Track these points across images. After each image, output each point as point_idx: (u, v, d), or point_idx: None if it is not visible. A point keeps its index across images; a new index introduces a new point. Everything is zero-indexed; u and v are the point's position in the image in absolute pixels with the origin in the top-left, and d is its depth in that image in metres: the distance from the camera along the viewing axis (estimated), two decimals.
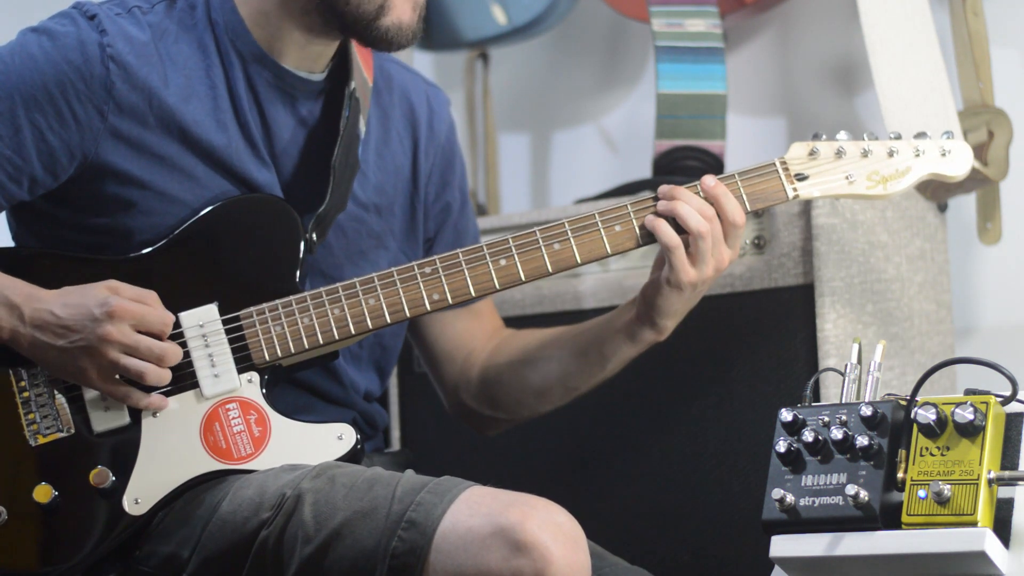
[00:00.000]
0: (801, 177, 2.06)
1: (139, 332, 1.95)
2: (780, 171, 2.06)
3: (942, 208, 2.61)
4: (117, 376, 1.96)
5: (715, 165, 2.66)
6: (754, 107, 2.99)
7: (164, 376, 1.97)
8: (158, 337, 1.96)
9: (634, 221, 2.05)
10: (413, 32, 2.06)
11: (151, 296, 1.97)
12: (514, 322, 2.40)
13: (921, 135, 2.07)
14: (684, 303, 2.08)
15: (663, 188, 2.05)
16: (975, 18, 2.60)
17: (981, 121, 2.57)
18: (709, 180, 2.03)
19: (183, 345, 1.99)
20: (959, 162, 2.07)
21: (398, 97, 2.23)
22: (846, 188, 2.05)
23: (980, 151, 2.55)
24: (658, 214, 2.04)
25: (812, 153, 2.06)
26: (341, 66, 2.13)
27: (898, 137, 2.07)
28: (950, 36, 2.62)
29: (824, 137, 2.07)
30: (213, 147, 2.04)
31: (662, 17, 2.69)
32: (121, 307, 1.93)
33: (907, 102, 2.40)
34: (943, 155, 2.07)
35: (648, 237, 2.04)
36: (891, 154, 2.06)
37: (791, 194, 2.05)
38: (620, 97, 3.17)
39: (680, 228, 2.02)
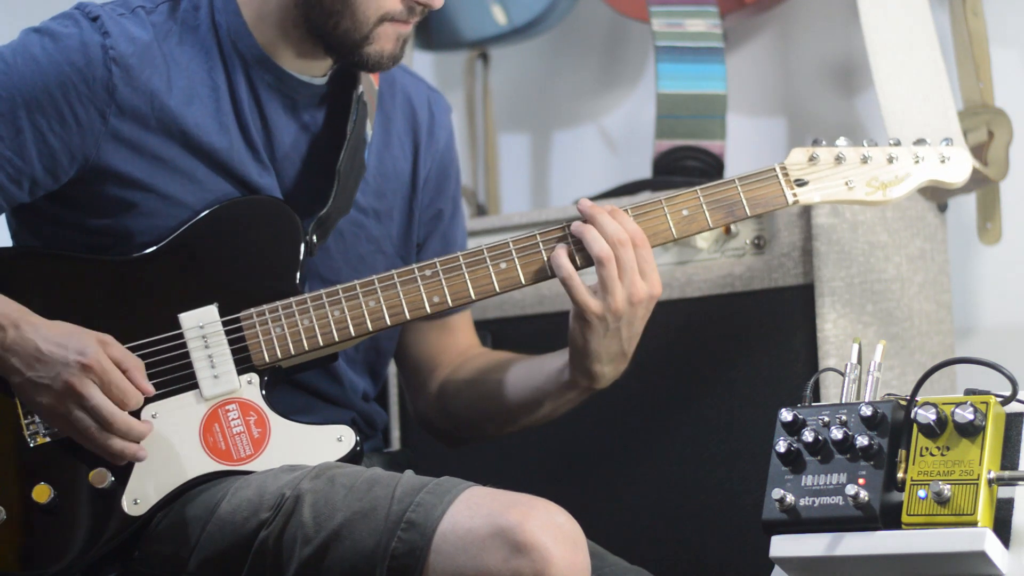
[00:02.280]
0: (801, 182, 2.06)
1: (104, 393, 1.91)
2: (780, 176, 2.05)
3: (942, 208, 2.61)
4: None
5: (715, 165, 2.66)
6: (754, 107, 2.99)
7: (107, 445, 1.92)
8: (120, 406, 1.92)
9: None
10: (394, 59, 2.06)
11: (137, 365, 1.94)
12: (514, 322, 2.40)
13: (920, 141, 2.07)
14: (603, 342, 2.02)
15: (582, 206, 2.02)
16: (975, 18, 2.60)
17: (981, 121, 2.57)
18: (584, 202, 2.01)
19: (183, 347, 2.00)
20: (958, 169, 2.07)
21: (400, 101, 2.23)
22: (846, 194, 2.05)
23: (980, 151, 2.55)
24: (571, 236, 2.01)
25: (812, 159, 2.06)
26: (345, 71, 2.13)
27: (897, 143, 2.07)
28: (950, 36, 2.62)
29: (824, 143, 2.07)
30: (214, 150, 2.04)
31: (662, 17, 2.69)
32: (95, 363, 1.90)
33: (907, 102, 2.40)
34: (942, 161, 2.07)
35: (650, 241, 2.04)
36: (890, 160, 2.06)
37: (791, 199, 2.05)
38: (620, 97, 3.17)
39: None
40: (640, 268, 1.99)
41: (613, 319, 1.99)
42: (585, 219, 2.01)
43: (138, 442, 1.93)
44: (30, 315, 1.95)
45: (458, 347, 2.29)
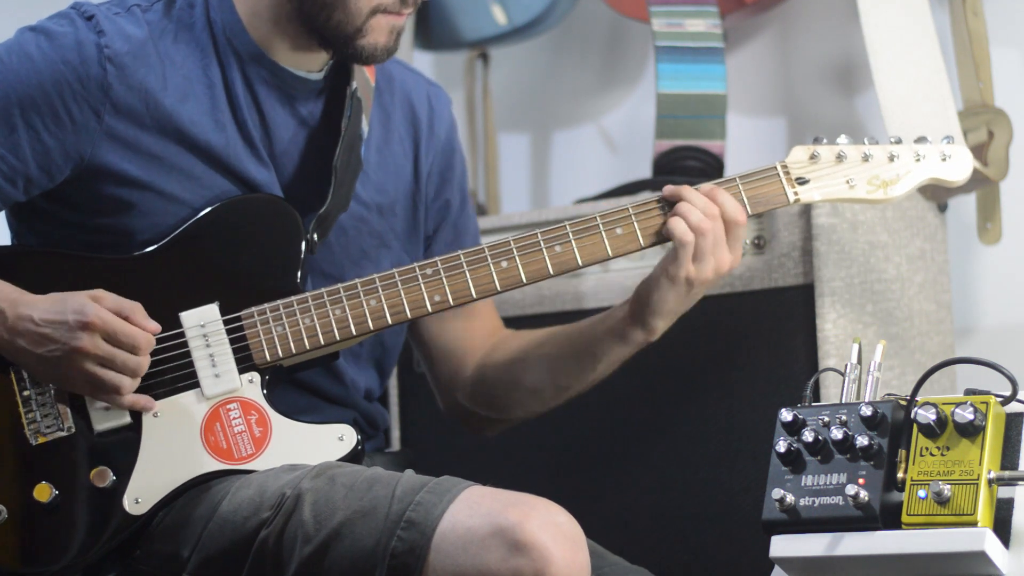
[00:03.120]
0: (802, 181, 2.06)
1: (113, 345, 1.93)
2: (781, 175, 2.06)
3: (942, 208, 2.61)
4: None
5: (715, 165, 2.66)
6: (754, 107, 2.99)
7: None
8: (132, 352, 1.94)
9: (636, 224, 2.05)
10: (388, 51, 2.07)
11: (134, 308, 1.95)
12: (514, 322, 2.40)
13: (921, 139, 2.07)
14: (677, 301, 2.08)
15: (668, 188, 2.05)
16: (975, 18, 2.60)
17: (981, 121, 2.57)
18: (706, 185, 2.05)
19: (184, 345, 2.00)
20: (959, 167, 2.08)
21: (399, 97, 2.24)
22: (847, 192, 2.05)
23: (980, 151, 2.55)
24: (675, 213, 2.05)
25: (813, 157, 2.06)
26: (341, 66, 2.13)
27: (899, 141, 2.07)
28: (950, 36, 2.62)
29: (825, 141, 2.07)
30: (211, 147, 2.04)
31: (662, 17, 2.69)
32: (95, 319, 1.92)
33: (907, 102, 2.40)
34: (943, 160, 2.07)
35: (650, 239, 2.04)
36: (891, 158, 2.06)
37: (792, 198, 2.05)
38: (620, 97, 3.17)
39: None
40: (729, 243, 2.04)
41: (699, 284, 2.05)
42: (677, 198, 2.04)
43: None
44: (24, 294, 1.95)
45: (485, 330, 2.29)
